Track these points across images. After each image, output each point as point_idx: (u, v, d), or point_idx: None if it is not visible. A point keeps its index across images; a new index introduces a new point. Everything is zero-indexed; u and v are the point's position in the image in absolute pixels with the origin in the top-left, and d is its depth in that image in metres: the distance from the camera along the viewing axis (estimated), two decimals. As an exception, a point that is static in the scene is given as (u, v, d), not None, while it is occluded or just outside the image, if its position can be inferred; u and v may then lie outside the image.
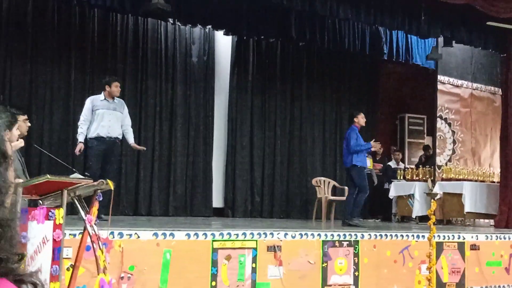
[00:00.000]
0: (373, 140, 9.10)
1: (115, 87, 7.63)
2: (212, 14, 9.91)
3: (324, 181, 10.43)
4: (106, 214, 6.38)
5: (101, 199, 4.28)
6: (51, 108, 9.38)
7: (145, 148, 8.60)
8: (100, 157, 7.45)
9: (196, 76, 10.70)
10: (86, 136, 7.53)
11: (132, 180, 9.96)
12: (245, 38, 11.05)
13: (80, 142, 7.48)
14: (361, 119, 9.03)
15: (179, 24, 10.30)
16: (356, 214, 8.79)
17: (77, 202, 4.11)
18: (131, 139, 7.80)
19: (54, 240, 3.84)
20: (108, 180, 4.25)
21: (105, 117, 7.52)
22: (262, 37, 11.06)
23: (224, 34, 10.65)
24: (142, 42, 10.21)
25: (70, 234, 4.90)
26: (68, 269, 4.59)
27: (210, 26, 10.44)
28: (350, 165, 8.81)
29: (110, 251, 5.11)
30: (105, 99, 7.61)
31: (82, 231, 4.24)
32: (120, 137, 7.69)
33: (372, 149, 9.26)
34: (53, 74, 9.43)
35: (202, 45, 10.78)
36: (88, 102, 7.64)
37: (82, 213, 4.10)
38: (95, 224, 4.14)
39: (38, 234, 3.79)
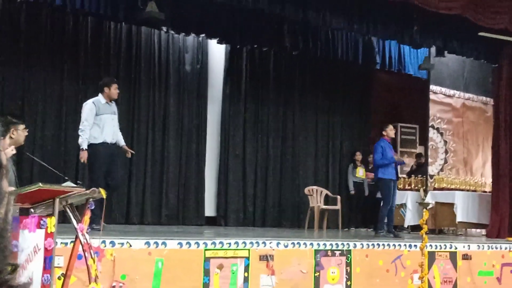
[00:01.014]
0: (395, 154, 9.23)
1: (115, 89, 7.25)
2: (205, 23, 9.93)
3: (316, 190, 10.44)
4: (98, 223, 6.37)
5: (93, 207, 4.26)
6: (44, 115, 9.35)
7: (133, 152, 8.08)
8: (106, 164, 7.09)
9: (189, 84, 10.70)
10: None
11: (124, 188, 9.91)
12: (238, 47, 11.07)
13: (85, 149, 6.99)
14: (389, 131, 9.15)
15: (172, 32, 10.30)
16: (380, 227, 8.92)
17: (69, 211, 4.09)
18: (122, 141, 7.44)
19: (45, 248, 3.82)
20: (101, 189, 4.23)
21: (109, 122, 7.16)
22: (256, 46, 11.08)
23: (217, 42, 10.66)
24: (135, 50, 10.20)
25: (61, 243, 4.88)
26: (59, 278, 4.56)
27: (203, 35, 10.45)
28: (377, 178, 9.01)
29: (102, 260, 5.09)
30: (106, 102, 7.20)
31: (73, 239, 4.22)
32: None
33: (397, 160, 9.23)
34: (46, 82, 9.40)
35: (195, 53, 10.78)
36: (91, 105, 7.12)
37: (74, 221, 4.07)
38: (87, 232, 4.12)
39: (29, 243, 3.76)
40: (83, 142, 7.01)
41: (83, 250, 4.10)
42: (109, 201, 7.35)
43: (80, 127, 7.12)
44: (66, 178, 4.64)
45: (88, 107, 7.13)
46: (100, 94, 7.27)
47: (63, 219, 4.78)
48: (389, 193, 8.92)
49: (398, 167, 9.50)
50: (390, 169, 8.93)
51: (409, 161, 12.98)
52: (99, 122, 7.09)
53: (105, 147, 7.11)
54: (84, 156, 7.02)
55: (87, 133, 7.03)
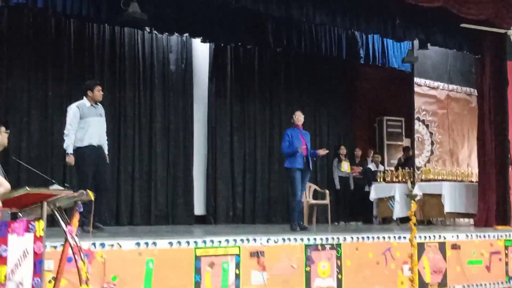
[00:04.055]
0: (304, 143, 8.47)
1: (98, 91, 7.24)
2: (188, 22, 9.91)
3: (305, 185, 10.45)
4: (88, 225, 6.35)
5: (81, 210, 4.25)
6: (29, 119, 9.29)
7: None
8: (93, 166, 7.11)
9: (174, 84, 10.69)
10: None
11: (112, 189, 9.88)
12: (222, 45, 11.07)
13: (70, 154, 7.04)
14: (295, 118, 8.59)
15: (156, 32, 10.28)
16: (292, 219, 8.35)
17: (57, 214, 4.08)
18: (106, 149, 7.41)
19: (35, 252, 3.81)
20: (89, 191, 4.22)
21: (94, 125, 7.16)
22: (240, 43, 11.09)
23: (201, 41, 10.66)
24: (119, 51, 10.16)
25: (51, 246, 4.86)
26: (50, 282, 4.55)
27: (187, 34, 10.44)
28: (284, 167, 8.56)
29: (92, 262, 5.07)
30: (91, 105, 7.21)
31: (63, 243, 4.21)
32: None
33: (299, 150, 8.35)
34: (30, 85, 9.35)
35: (179, 53, 10.76)
36: (75, 109, 7.14)
37: (63, 224, 4.07)
38: (76, 235, 4.11)
39: (18, 247, 3.75)
40: (68, 147, 7.08)
41: (73, 252, 4.09)
42: (99, 203, 7.30)
43: (64, 131, 7.18)
44: (54, 181, 4.61)
45: (72, 112, 7.18)
46: (84, 97, 7.28)
47: (52, 222, 4.78)
48: (295, 183, 8.34)
49: (313, 156, 8.76)
50: (298, 158, 8.33)
51: (396, 154, 13.08)
52: (84, 125, 7.12)
53: (91, 150, 7.12)
54: (70, 160, 7.09)
55: (72, 138, 7.08)
